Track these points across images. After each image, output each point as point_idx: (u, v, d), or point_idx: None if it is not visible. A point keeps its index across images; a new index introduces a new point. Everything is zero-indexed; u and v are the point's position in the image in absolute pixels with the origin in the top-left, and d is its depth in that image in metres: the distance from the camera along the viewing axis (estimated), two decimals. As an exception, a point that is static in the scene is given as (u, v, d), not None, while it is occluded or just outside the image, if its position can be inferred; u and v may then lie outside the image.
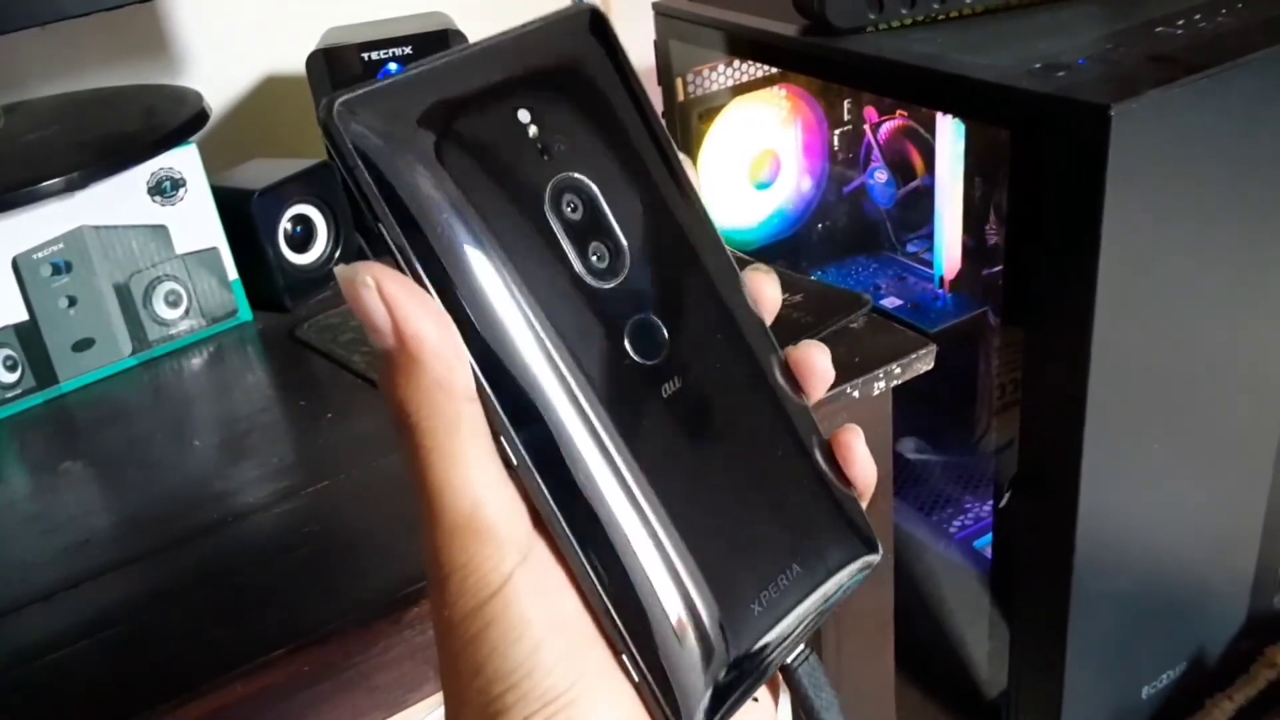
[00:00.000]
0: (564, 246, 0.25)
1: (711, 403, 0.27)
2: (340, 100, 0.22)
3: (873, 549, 0.30)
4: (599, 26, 0.27)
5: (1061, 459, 0.83)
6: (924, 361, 0.67)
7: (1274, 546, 1.08)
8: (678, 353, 0.26)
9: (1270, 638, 1.18)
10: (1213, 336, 0.87)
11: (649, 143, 0.27)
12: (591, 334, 0.25)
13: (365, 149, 0.22)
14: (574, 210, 0.25)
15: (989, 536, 1.01)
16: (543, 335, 0.24)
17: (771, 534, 0.28)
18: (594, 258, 0.25)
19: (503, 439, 0.24)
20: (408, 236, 0.23)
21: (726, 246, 0.29)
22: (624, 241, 0.26)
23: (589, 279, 0.25)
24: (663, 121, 0.28)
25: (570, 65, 0.26)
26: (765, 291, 0.30)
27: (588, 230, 0.25)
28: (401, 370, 0.23)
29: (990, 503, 0.95)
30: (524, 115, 0.25)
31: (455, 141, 0.24)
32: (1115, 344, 0.78)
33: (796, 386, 0.30)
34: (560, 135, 0.25)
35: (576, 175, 0.25)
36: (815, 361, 0.30)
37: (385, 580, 0.50)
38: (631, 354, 0.26)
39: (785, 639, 0.27)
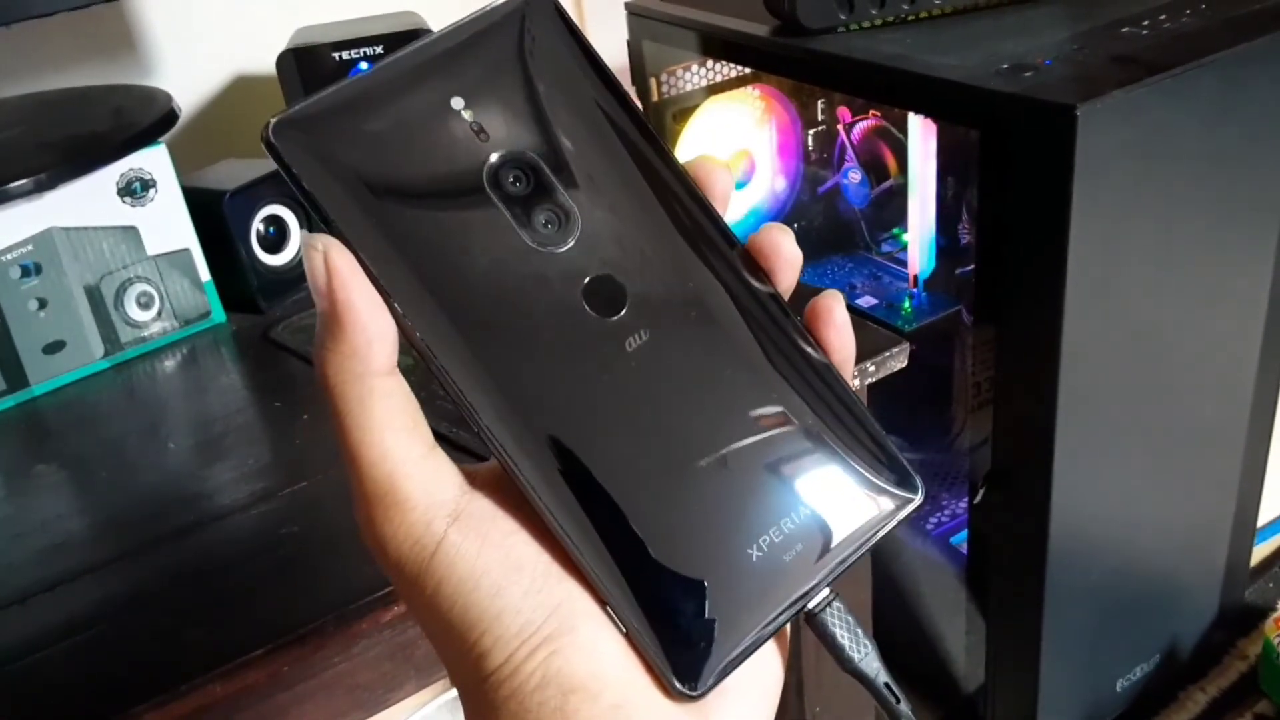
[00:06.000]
0: (507, 218, 0.26)
1: (682, 351, 0.27)
2: (277, 118, 0.24)
3: (904, 484, 0.28)
4: (544, 5, 0.28)
5: (1034, 454, 0.84)
6: (898, 360, 0.67)
7: (1244, 539, 1.09)
8: (640, 305, 0.27)
9: (1242, 630, 1.19)
10: (1181, 332, 0.88)
11: (602, 105, 0.28)
12: (543, 297, 0.26)
13: (301, 161, 0.25)
14: (516, 183, 0.26)
15: (965, 533, 1.02)
16: (488, 304, 0.25)
17: (768, 476, 0.27)
18: (543, 225, 0.26)
19: (463, 409, 0.25)
20: (348, 231, 0.25)
21: (694, 187, 0.28)
22: (573, 206, 0.26)
23: (539, 246, 0.26)
24: (619, 83, 0.28)
25: (511, 48, 0.27)
26: (715, 180, 0.29)
27: (533, 200, 0.26)
28: (329, 332, 0.25)
29: (966, 499, 0.96)
30: (457, 102, 0.26)
31: (387, 138, 0.25)
32: (1085, 341, 0.79)
33: (782, 309, 0.28)
34: (498, 115, 0.26)
35: (516, 150, 0.26)
36: (780, 245, 0.28)
37: (364, 580, 0.50)
38: (590, 311, 0.26)
39: (798, 585, 0.26)
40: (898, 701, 0.29)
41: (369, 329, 0.25)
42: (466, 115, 0.26)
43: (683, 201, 0.28)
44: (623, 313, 0.26)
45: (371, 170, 0.25)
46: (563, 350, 0.26)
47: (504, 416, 0.25)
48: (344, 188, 0.25)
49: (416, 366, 0.26)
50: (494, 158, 0.26)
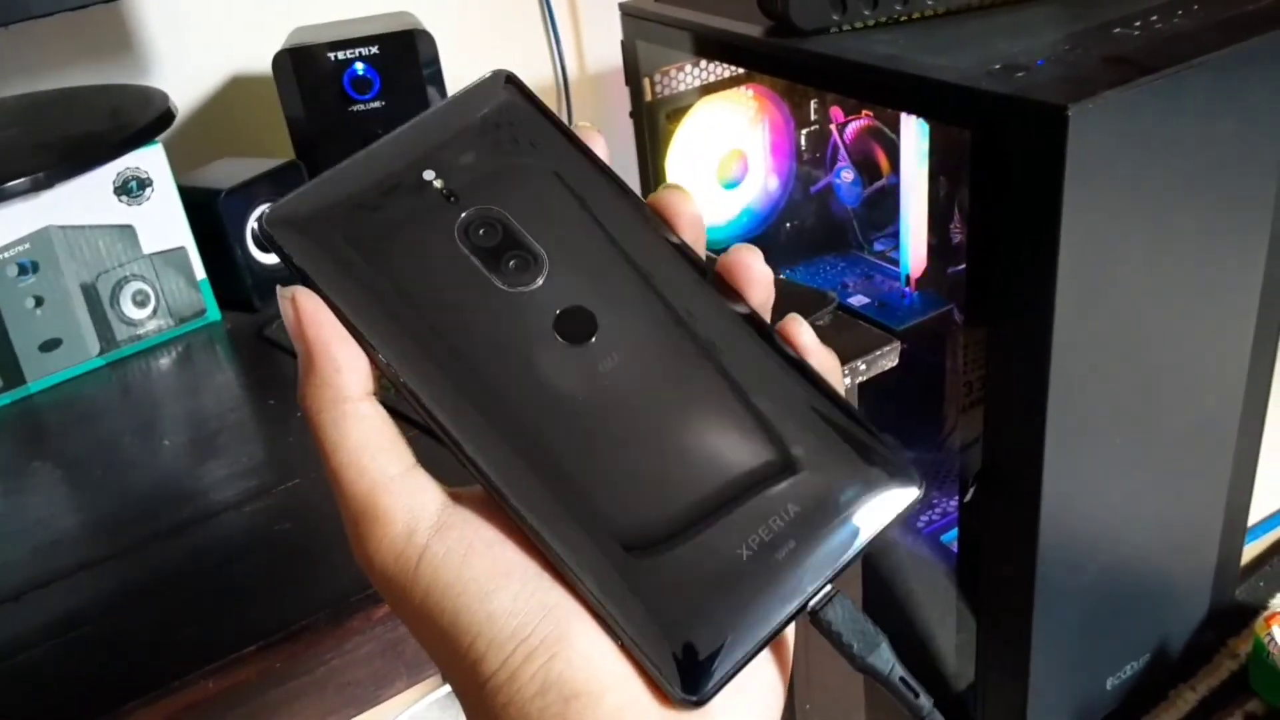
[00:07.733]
0: (479, 267, 0.28)
1: (657, 366, 0.28)
2: (270, 209, 0.28)
3: (902, 479, 0.28)
4: (509, 85, 0.31)
5: (1024, 453, 0.85)
6: (889, 358, 0.68)
7: (1234, 539, 1.10)
8: (611, 329, 0.28)
9: (1232, 629, 1.20)
10: (1171, 332, 0.88)
11: (563, 158, 0.30)
12: (517, 332, 0.28)
13: (292, 245, 0.28)
14: (485, 235, 0.29)
15: (955, 531, 1.02)
16: (467, 345, 0.27)
17: (757, 481, 0.27)
18: (512, 268, 0.28)
19: (448, 444, 0.27)
20: (337, 298, 0.27)
21: (655, 218, 0.30)
22: (540, 249, 0.29)
23: (510, 287, 0.28)
24: (578, 137, 0.31)
25: (480, 121, 0.31)
26: (678, 209, 0.30)
27: (501, 248, 0.29)
28: (303, 369, 0.27)
29: (957, 498, 0.97)
30: (429, 174, 0.29)
31: (365, 214, 0.29)
32: (1076, 341, 0.79)
33: (756, 320, 0.29)
34: (467, 180, 0.29)
35: (484, 207, 0.29)
36: (749, 265, 0.29)
37: (356, 577, 0.50)
38: (561, 340, 0.28)
39: (796, 586, 0.26)
40: (916, 696, 0.28)
41: (336, 358, 0.27)
42: (438, 184, 0.29)
43: (646, 231, 0.30)
44: (594, 339, 0.28)
45: (357, 243, 0.28)
46: (539, 379, 0.27)
47: (487, 446, 0.26)
48: (333, 262, 0.28)
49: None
50: (463, 215, 0.29)
